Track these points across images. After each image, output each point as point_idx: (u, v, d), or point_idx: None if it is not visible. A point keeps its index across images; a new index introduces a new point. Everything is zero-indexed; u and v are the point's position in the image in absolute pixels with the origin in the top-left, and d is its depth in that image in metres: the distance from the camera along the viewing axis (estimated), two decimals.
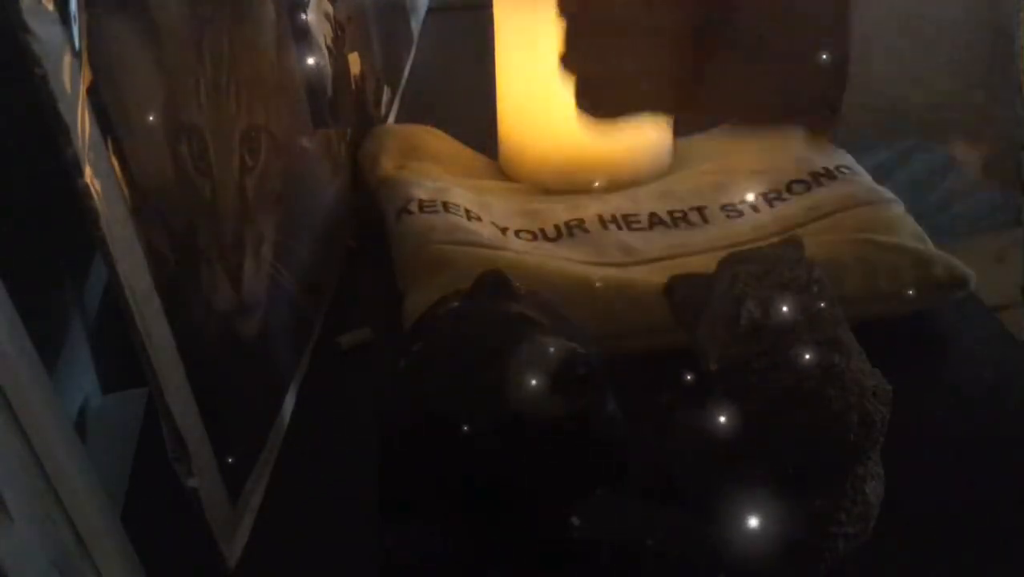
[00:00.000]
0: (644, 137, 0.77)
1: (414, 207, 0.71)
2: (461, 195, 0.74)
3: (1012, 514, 0.50)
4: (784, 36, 0.54)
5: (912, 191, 0.77)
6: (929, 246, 0.66)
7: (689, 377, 0.43)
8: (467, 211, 0.72)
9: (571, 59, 0.58)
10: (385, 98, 0.95)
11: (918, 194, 0.78)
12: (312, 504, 0.51)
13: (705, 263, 0.47)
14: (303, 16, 0.69)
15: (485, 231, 0.70)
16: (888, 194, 0.71)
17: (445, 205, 0.72)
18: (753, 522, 0.40)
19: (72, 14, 0.39)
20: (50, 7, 0.37)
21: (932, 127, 0.54)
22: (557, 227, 0.72)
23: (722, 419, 0.41)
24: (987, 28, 0.53)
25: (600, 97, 0.57)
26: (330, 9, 0.77)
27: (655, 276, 0.52)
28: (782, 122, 0.54)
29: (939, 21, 0.54)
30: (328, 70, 0.73)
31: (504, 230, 0.71)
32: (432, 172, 0.78)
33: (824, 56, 0.52)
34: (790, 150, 0.75)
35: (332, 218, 0.71)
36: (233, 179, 0.53)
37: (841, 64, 0.53)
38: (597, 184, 0.75)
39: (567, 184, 0.76)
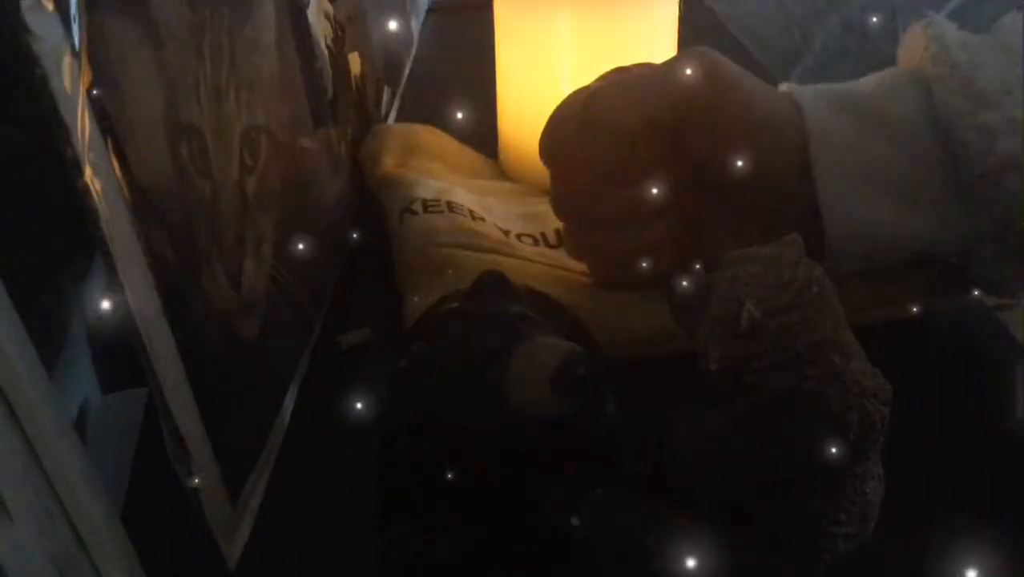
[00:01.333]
0: None
1: (418, 207, 0.71)
2: (464, 195, 0.74)
3: (1012, 514, 0.50)
4: (759, 200, 0.60)
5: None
6: None
7: (689, 377, 0.43)
8: (471, 211, 0.72)
9: (577, 246, 0.65)
10: (385, 98, 0.95)
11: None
12: (312, 504, 0.51)
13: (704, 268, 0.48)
14: (303, 16, 0.69)
15: (489, 233, 0.70)
16: None
17: (449, 205, 0.72)
18: (753, 521, 0.40)
19: (72, 14, 0.39)
20: (50, 7, 0.37)
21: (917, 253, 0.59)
22: (558, 232, 0.72)
23: (722, 419, 0.41)
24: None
25: (610, 273, 0.65)
26: (330, 9, 0.77)
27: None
28: None
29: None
30: (328, 70, 0.73)
31: (507, 233, 0.71)
32: (434, 171, 0.78)
33: (798, 210, 0.58)
34: None
35: (332, 218, 0.71)
36: (233, 179, 0.53)
37: (815, 214, 0.58)
38: None
39: None
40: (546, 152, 0.63)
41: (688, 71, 0.57)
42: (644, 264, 0.59)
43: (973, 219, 0.57)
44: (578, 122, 0.60)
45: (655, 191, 0.58)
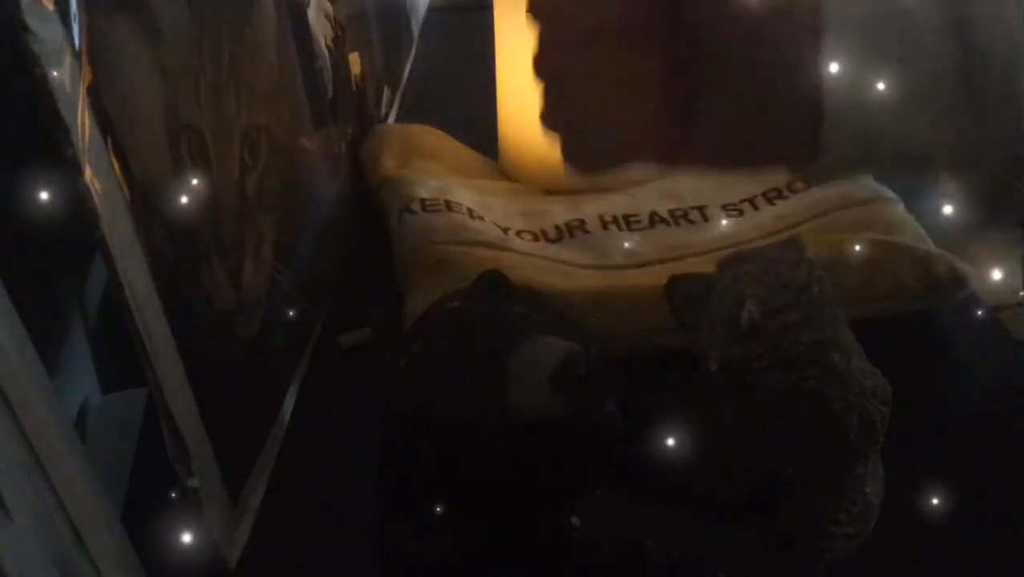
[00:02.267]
0: None
1: (416, 207, 0.71)
2: (463, 194, 0.74)
3: (1012, 514, 0.50)
4: (759, 81, 0.55)
5: (913, 192, 0.77)
6: (930, 245, 0.66)
7: (689, 377, 0.43)
8: (469, 210, 0.72)
9: (553, 117, 0.59)
10: (385, 98, 0.95)
11: (918, 195, 0.78)
12: (312, 504, 0.51)
13: (705, 265, 0.47)
14: (303, 16, 0.69)
15: (488, 230, 0.70)
16: (889, 193, 0.71)
17: (448, 204, 0.72)
18: (753, 521, 0.40)
19: (72, 14, 0.39)
20: (50, 7, 0.37)
21: (913, 159, 0.55)
22: (558, 228, 0.72)
23: (722, 419, 0.41)
24: (959, 50, 0.53)
25: (586, 151, 0.58)
26: (330, 9, 0.77)
27: (656, 279, 0.52)
28: (762, 165, 0.55)
29: (910, 46, 0.54)
30: (328, 70, 0.73)
31: (506, 230, 0.71)
32: (433, 171, 0.78)
33: (799, 96, 0.54)
34: None
35: (332, 218, 0.71)
36: (233, 179, 0.53)
37: (816, 104, 0.55)
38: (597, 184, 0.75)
39: (567, 184, 0.76)
40: (536, 3, 0.59)
41: None
42: (623, 143, 0.55)
43: (980, 133, 0.54)
44: None
45: (646, 55, 0.54)
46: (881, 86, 0.53)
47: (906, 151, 0.53)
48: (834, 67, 0.52)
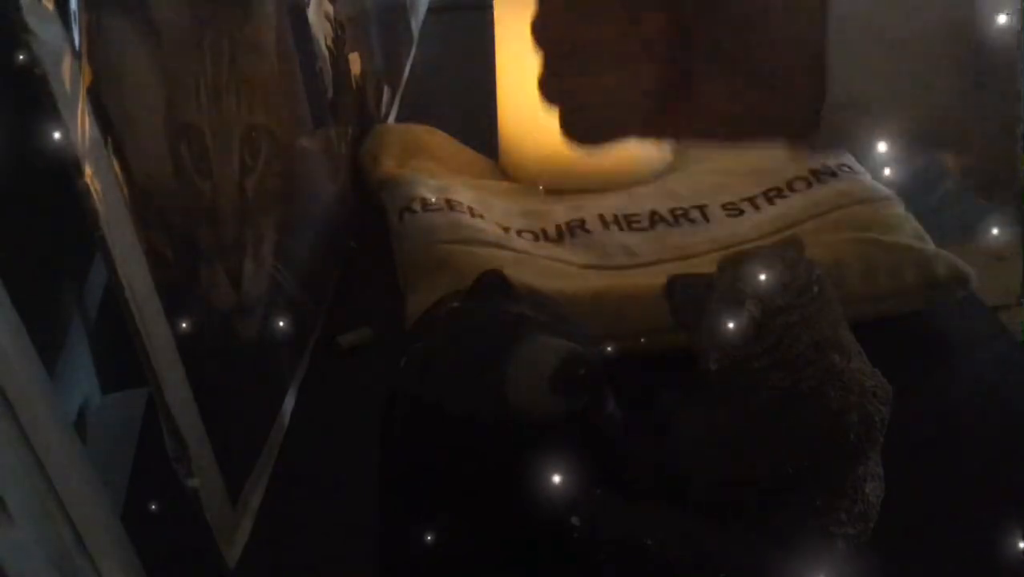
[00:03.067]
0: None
1: (417, 206, 0.71)
2: (464, 193, 0.74)
3: (1012, 514, 0.50)
4: (761, 51, 0.54)
5: (912, 191, 0.77)
6: (930, 244, 0.66)
7: (689, 377, 0.43)
8: (470, 209, 0.72)
9: (552, 87, 0.58)
10: (385, 98, 0.95)
11: (917, 194, 0.78)
12: (312, 504, 0.51)
13: (706, 265, 0.47)
14: (303, 16, 0.69)
15: (489, 229, 0.70)
16: (889, 192, 0.71)
17: (448, 203, 0.72)
18: (753, 521, 0.40)
19: (72, 14, 0.39)
20: (50, 7, 0.37)
21: (916, 138, 0.54)
22: (559, 227, 0.72)
23: (722, 419, 0.41)
24: (964, 39, 0.53)
25: (585, 123, 0.57)
26: (330, 9, 0.77)
27: (657, 279, 0.52)
28: (764, 136, 0.54)
29: (913, 32, 0.53)
30: (328, 70, 0.73)
31: (506, 230, 0.71)
32: (434, 171, 0.79)
33: (800, 70, 0.53)
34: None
35: (332, 218, 0.71)
36: (233, 179, 0.53)
37: (818, 76, 0.53)
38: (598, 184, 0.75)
39: (567, 184, 0.76)
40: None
41: None
42: (620, 114, 0.55)
43: (980, 111, 0.54)
44: None
45: (641, 29, 0.54)
46: (883, 61, 0.52)
47: (906, 126, 0.52)
48: (837, 39, 0.51)
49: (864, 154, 0.60)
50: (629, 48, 0.54)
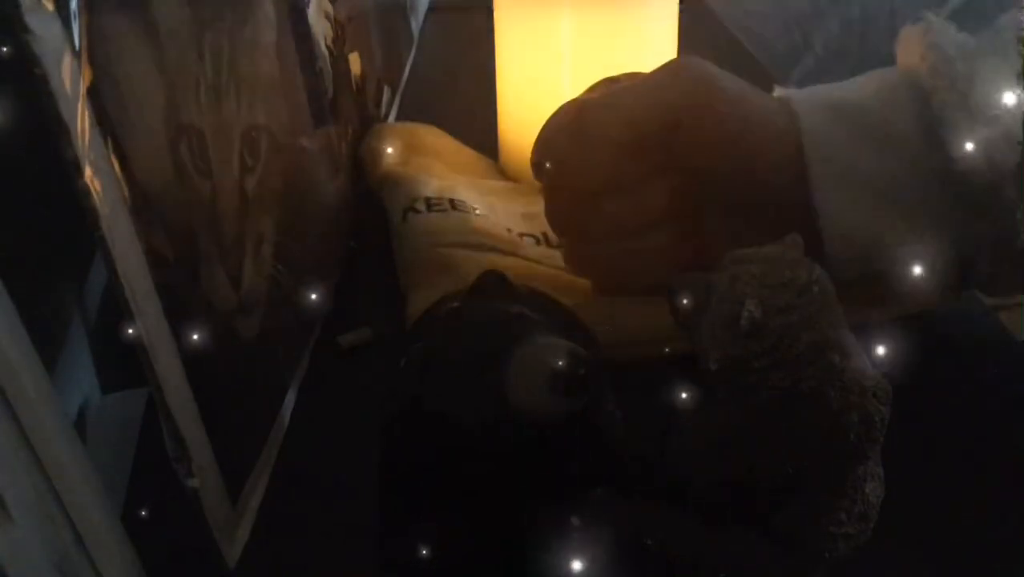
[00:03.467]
0: None
1: (421, 206, 0.71)
2: (466, 193, 0.74)
3: (1012, 514, 0.50)
4: (756, 206, 0.60)
5: None
6: None
7: (689, 377, 0.43)
8: (474, 209, 0.72)
9: (576, 261, 0.65)
10: (385, 98, 0.95)
11: None
12: (312, 504, 0.51)
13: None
14: (303, 16, 0.69)
15: (494, 232, 0.70)
16: None
17: (452, 203, 0.72)
18: (753, 521, 0.40)
19: (72, 14, 0.39)
20: (50, 7, 0.37)
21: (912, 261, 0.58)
22: None
23: (722, 419, 0.41)
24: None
25: (614, 287, 0.63)
26: (330, 9, 0.77)
27: None
28: None
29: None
30: (328, 70, 0.73)
31: (509, 231, 0.71)
32: (435, 170, 0.78)
33: (796, 217, 0.58)
34: None
35: (332, 218, 0.71)
36: (233, 179, 0.53)
37: (811, 222, 0.58)
38: None
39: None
40: (537, 167, 0.62)
41: (677, 82, 0.57)
42: (645, 274, 0.59)
43: (971, 227, 0.56)
44: (567, 137, 0.60)
45: (649, 202, 0.58)
46: (865, 199, 0.56)
47: (905, 255, 0.55)
48: (820, 187, 0.56)
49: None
50: (639, 219, 0.59)
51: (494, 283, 0.46)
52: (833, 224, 0.57)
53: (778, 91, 0.62)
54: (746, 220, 0.57)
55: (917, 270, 0.54)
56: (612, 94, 0.60)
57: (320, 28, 0.73)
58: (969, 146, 0.53)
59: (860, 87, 0.60)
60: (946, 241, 0.57)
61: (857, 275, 0.59)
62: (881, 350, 0.42)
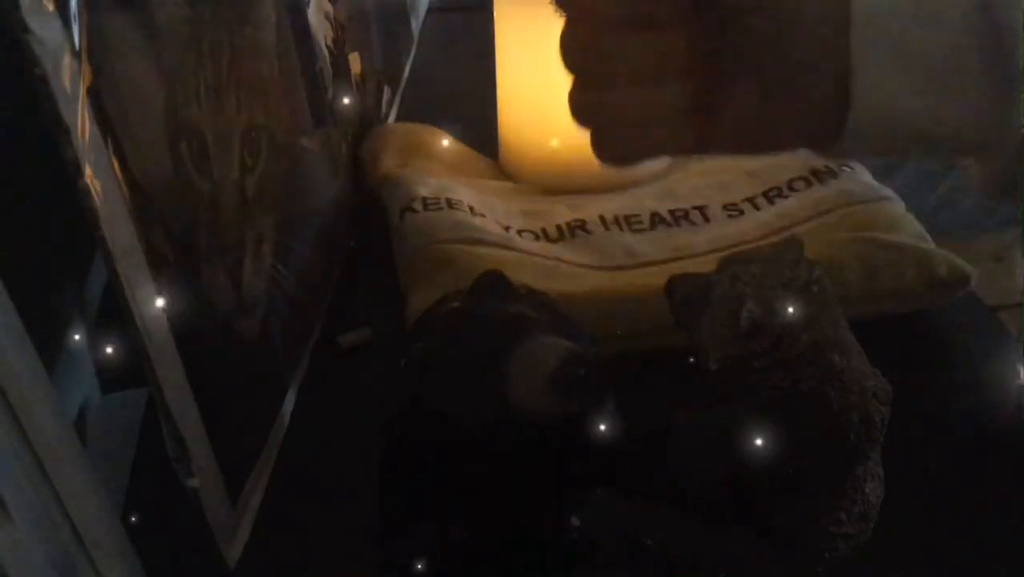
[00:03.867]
0: None
1: (418, 205, 0.71)
2: (464, 192, 0.74)
3: (1012, 514, 0.50)
4: (786, 63, 0.54)
5: (912, 191, 0.78)
6: (930, 244, 0.66)
7: (689, 377, 0.43)
8: (470, 208, 0.72)
9: (581, 107, 0.59)
10: (385, 98, 0.95)
11: (917, 194, 0.78)
12: (312, 504, 0.51)
13: (706, 265, 0.47)
14: (303, 16, 0.69)
15: (490, 228, 0.70)
16: (889, 192, 0.71)
17: (449, 202, 0.72)
18: (753, 521, 0.40)
19: (72, 14, 0.39)
20: (50, 7, 0.37)
21: (938, 143, 0.55)
22: (559, 228, 0.72)
23: (722, 419, 0.41)
24: (988, 38, 0.53)
25: (615, 142, 0.58)
26: (330, 9, 0.77)
27: (657, 279, 0.53)
28: (788, 147, 0.54)
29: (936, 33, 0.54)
30: (328, 70, 0.73)
31: (507, 229, 0.71)
32: (434, 170, 0.79)
33: (826, 79, 0.53)
34: None
35: (332, 218, 0.71)
36: (233, 179, 0.53)
37: (843, 86, 0.54)
38: (598, 185, 0.75)
39: (568, 184, 0.76)
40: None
41: None
42: (651, 133, 0.56)
43: (1007, 115, 0.54)
44: None
45: (673, 46, 0.55)
46: (907, 70, 0.52)
47: (931, 135, 0.52)
48: (861, 49, 0.51)
49: (889, 162, 0.60)
50: (655, 69, 0.54)
51: (494, 283, 0.46)
52: (868, 92, 0.54)
53: None
54: (770, 82, 0.54)
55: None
56: None
57: (320, 28, 0.73)
58: (1020, 21, 0.51)
59: None
60: (977, 128, 0.55)
61: (878, 151, 0.56)
62: (881, 350, 0.42)
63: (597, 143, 0.58)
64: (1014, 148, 0.53)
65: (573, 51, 0.57)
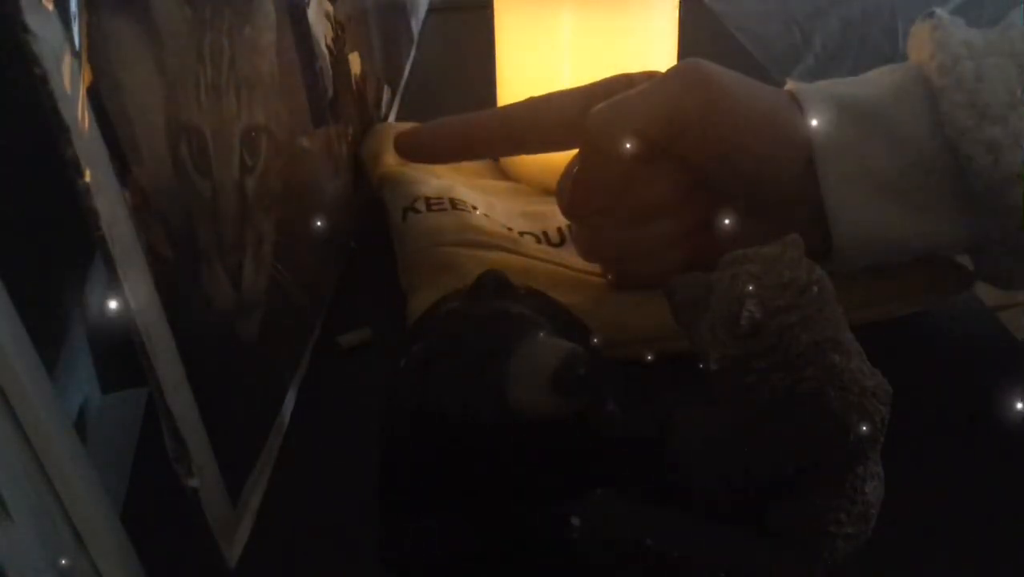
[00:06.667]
0: None
1: (421, 205, 0.71)
2: (466, 192, 0.74)
3: (1012, 514, 0.50)
4: (763, 203, 0.61)
5: None
6: None
7: (689, 377, 0.43)
8: (474, 208, 0.72)
9: (587, 249, 0.67)
10: (385, 98, 0.95)
11: None
12: (312, 504, 0.51)
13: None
14: (303, 16, 0.69)
15: (495, 230, 0.70)
16: None
17: (452, 202, 0.72)
18: (753, 521, 0.40)
19: (72, 14, 0.39)
20: (50, 7, 0.37)
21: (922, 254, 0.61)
22: (560, 231, 0.72)
23: (722, 419, 0.41)
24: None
25: (624, 273, 0.65)
26: (330, 9, 0.77)
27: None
28: None
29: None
30: (328, 70, 0.73)
31: (510, 230, 0.71)
32: (435, 169, 0.79)
33: (802, 210, 0.59)
34: None
35: (332, 218, 0.71)
36: (233, 179, 0.53)
37: (819, 212, 0.59)
38: None
39: None
40: (558, 194, 0.65)
41: (680, 85, 0.58)
42: (652, 264, 0.61)
43: (978, 224, 0.57)
44: (581, 150, 0.63)
45: (658, 191, 0.60)
46: (874, 189, 0.58)
47: (908, 246, 0.57)
48: (828, 178, 0.58)
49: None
50: (652, 205, 0.61)
51: (494, 283, 0.46)
52: (842, 220, 0.57)
53: (788, 85, 0.62)
54: (754, 217, 0.58)
55: (925, 263, 0.56)
56: (614, 107, 0.61)
57: (320, 28, 0.73)
58: (976, 148, 0.53)
59: (869, 83, 0.60)
60: (954, 237, 0.58)
61: (864, 266, 0.60)
62: (881, 350, 0.42)
63: (607, 275, 0.67)
64: (995, 247, 0.57)
65: (574, 206, 0.66)
